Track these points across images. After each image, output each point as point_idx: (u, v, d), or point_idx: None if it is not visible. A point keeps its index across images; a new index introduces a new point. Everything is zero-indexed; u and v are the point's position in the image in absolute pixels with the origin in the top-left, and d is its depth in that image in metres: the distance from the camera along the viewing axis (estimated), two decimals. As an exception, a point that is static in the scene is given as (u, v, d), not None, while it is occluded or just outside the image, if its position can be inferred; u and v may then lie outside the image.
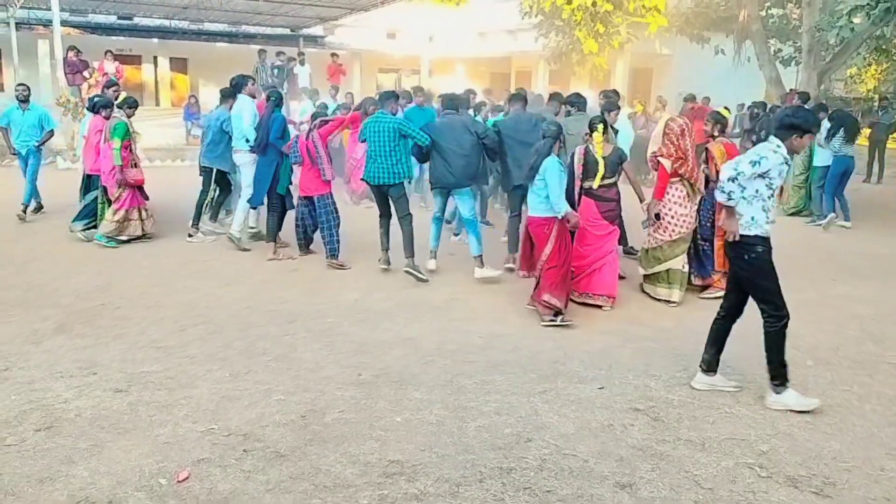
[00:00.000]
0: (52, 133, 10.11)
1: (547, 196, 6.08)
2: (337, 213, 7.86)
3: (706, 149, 6.94)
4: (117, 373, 4.86)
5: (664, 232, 6.77)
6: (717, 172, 6.28)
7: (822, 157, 11.04)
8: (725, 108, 8.42)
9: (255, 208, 8.70)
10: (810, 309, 6.65)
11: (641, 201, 7.15)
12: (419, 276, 7.29)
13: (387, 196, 7.47)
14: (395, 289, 7.11)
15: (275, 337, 5.66)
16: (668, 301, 6.79)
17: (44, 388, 4.57)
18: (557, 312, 6.12)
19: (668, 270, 6.80)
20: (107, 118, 8.52)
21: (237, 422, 4.20)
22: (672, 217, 6.72)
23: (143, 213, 8.63)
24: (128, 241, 8.48)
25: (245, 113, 8.35)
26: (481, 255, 7.44)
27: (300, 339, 5.64)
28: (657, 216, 6.74)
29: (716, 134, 6.97)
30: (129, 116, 8.56)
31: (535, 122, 7.45)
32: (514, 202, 7.90)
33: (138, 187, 8.55)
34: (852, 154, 10.92)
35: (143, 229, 8.62)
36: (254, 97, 8.64)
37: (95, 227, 8.59)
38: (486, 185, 8.49)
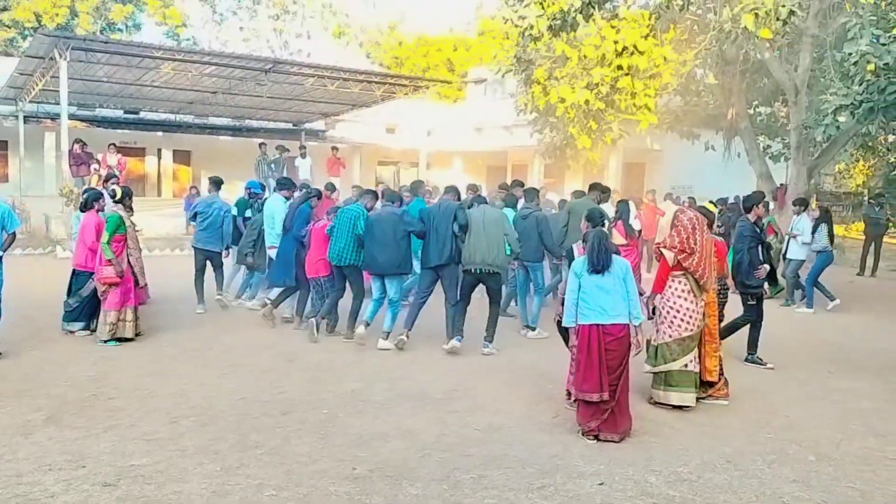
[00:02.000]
0: (13, 236, 7.65)
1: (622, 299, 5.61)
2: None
3: None
4: (106, 466, 4.75)
5: (670, 327, 6.40)
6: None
7: (796, 251, 11.55)
8: (711, 202, 8.52)
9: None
10: (812, 402, 6.59)
11: (641, 294, 6.89)
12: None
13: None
14: (395, 378, 7.05)
15: (269, 429, 5.56)
16: (682, 406, 6.32)
17: (31, 482, 4.46)
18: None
19: (678, 371, 6.33)
20: (100, 211, 8.42)
21: (228, 518, 4.08)
22: (677, 312, 6.37)
23: (135, 313, 8.14)
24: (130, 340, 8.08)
25: (277, 214, 9.35)
26: (390, 331, 8.17)
27: (294, 430, 5.55)
28: (654, 310, 6.65)
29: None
30: (126, 208, 8.33)
31: (453, 210, 8.08)
32: (424, 283, 8.38)
33: (136, 285, 8.16)
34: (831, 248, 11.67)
35: (136, 330, 8.14)
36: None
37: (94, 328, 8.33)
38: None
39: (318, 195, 9.67)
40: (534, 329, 9.05)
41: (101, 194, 8.66)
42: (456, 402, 6.43)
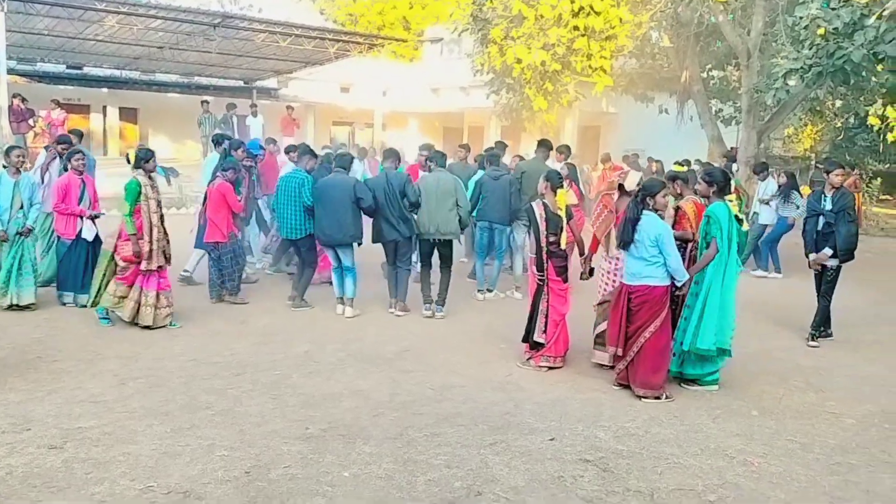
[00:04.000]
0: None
1: (655, 261, 5.67)
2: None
3: (677, 207, 6.53)
4: (52, 428, 4.66)
5: (599, 291, 6.70)
6: (694, 231, 6.18)
7: (766, 216, 11.48)
8: (677, 163, 8.55)
9: None
10: (755, 361, 6.79)
11: (582, 255, 6.81)
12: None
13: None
14: (347, 340, 7.03)
15: (220, 390, 5.51)
16: (604, 365, 6.35)
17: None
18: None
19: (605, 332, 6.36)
20: (78, 171, 7.67)
21: (177, 479, 4.05)
22: (602, 273, 6.72)
23: (150, 298, 7.03)
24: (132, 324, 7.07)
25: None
26: (352, 298, 7.98)
27: (246, 392, 5.51)
28: (590, 271, 6.70)
29: (679, 191, 6.71)
30: (148, 172, 7.16)
31: (402, 184, 7.87)
32: (390, 253, 8.17)
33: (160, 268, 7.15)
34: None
35: (137, 316, 7.01)
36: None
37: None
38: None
39: (239, 146, 9.03)
40: (491, 291, 9.09)
41: (153, 153, 7.38)
42: (409, 362, 6.45)
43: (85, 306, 7.49)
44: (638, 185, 6.27)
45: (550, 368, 6.34)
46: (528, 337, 6.43)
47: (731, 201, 6.29)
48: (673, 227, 6.26)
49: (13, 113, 16.00)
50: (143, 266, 6.94)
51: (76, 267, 7.76)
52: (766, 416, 5.48)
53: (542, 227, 6.33)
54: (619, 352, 5.85)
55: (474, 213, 9.34)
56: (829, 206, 7.41)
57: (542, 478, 4.26)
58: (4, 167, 7.58)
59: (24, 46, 18.44)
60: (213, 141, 9.76)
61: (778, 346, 7.44)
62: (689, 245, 6.30)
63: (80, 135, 9.72)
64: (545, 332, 6.33)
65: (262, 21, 17.45)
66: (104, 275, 7.12)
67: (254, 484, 4.03)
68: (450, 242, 8.16)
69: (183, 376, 5.79)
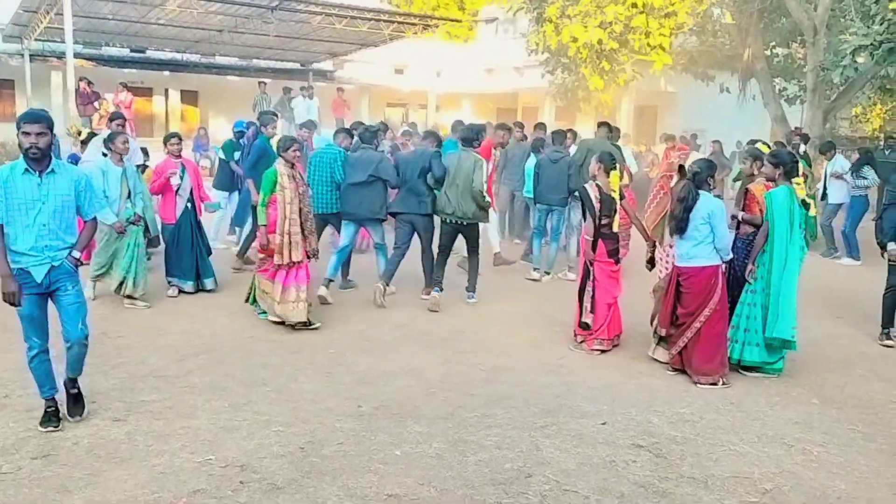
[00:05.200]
0: (93, 225, 6.06)
1: (704, 240, 5.59)
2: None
3: (747, 189, 6.28)
4: (116, 402, 4.83)
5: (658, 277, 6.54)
6: (762, 213, 5.94)
7: (837, 195, 11.06)
8: (764, 143, 8.12)
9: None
10: (817, 348, 6.59)
11: (646, 240, 6.64)
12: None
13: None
14: (402, 320, 7.08)
15: (276, 367, 5.63)
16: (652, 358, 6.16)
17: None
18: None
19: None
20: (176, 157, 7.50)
21: (235, 453, 4.16)
22: (658, 259, 6.57)
23: (293, 294, 6.60)
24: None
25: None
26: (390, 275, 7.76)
27: (302, 369, 5.61)
28: (651, 259, 6.49)
29: (755, 172, 6.45)
30: (288, 160, 6.60)
31: (427, 159, 7.65)
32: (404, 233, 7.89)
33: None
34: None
35: (304, 316, 6.59)
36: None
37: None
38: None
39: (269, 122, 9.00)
40: (549, 274, 9.03)
41: (294, 140, 6.83)
42: (461, 343, 6.47)
43: (186, 292, 7.57)
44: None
45: (603, 352, 6.28)
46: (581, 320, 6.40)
47: (797, 184, 6.09)
48: (742, 211, 6.16)
49: (80, 96, 16.51)
50: (276, 260, 6.53)
51: (179, 253, 7.58)
52: (827, 404, 5.32)
53: (597, 207, 6.25)
54: (667, 332, 5.78)
55: (530, 194, 9.32)
56: None
57: (593, 462, 4.24)
58: (105, 155, 7.20)
59: (90, 31, 18.95)
60: (259, 120, 9.62)
61: (842, 333, 7.21)
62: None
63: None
64: (592, 312, 6.27)
65: (319, 3, 17.54)
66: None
67: (307, 459, 4.11)
68: (474, 226, 7.75)
69: (241, 353, 5.93)
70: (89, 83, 16.96)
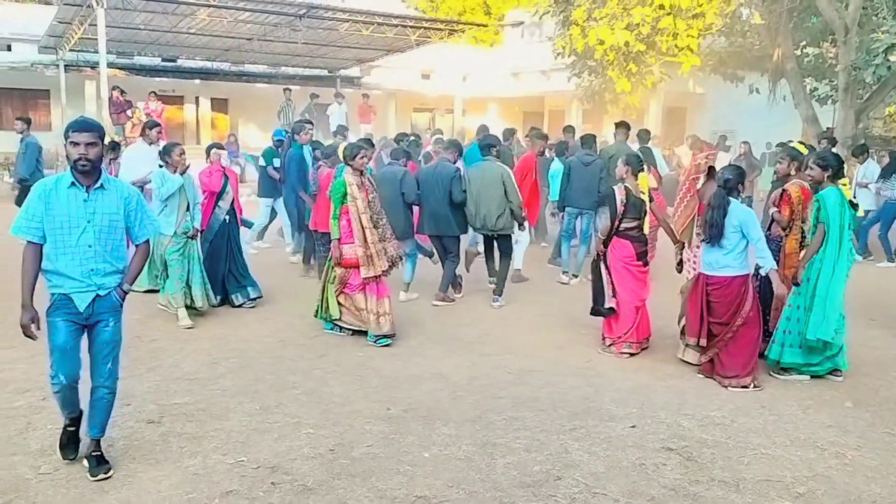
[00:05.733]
0: (146, 249, 5.05)
1: (734, 249, 5.53)
2: None
3: (783, 190, 6.14)
4: (150, 404, 4.92)
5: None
6: (792, 215, 5.93)
7: (866, 201, 10.91)
8: (801, 142, 7.99)
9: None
10: (851, 351, 6.48)
11: (675, 242, 6.63)
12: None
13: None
14: (428, 324, 7.12)
15: (305, 370, 5.69)
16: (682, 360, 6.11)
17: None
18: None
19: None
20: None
21: (266, 454, 4.22)
22: (687, 261, 6.49)
23: (382, 306, 6.43)
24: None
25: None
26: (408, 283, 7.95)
27: (331, 372, 5.67)
28: (681, 261, 6.46)
29: (792, 172, 6.33)
30: (356, 168, 6.42)
31: (449, 178, 7.64)
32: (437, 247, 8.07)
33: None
34: None
35: (389, 327, 6.45)
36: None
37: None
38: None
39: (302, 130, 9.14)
40: (577, 277, 9.01)
41: (361, 148, 6.58)
42: (487, 346, 6.49)
43: (213, 305, 7.31)
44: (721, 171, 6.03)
45: (632, 355, 6.25)
46: (595, 308, 6.35)
47: (844, 185, 6.00)
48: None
49: (113, 104, 16.84)
50: (363, 273, 6.30)
51: (211, 266, 7.38)
52: (861, 407, 5.24)
53: (620, 210, 6.23)
54: (703, 342, 5.71)
55: (558, 198, 9.29)
56: None
57: (622, 465, 4.22)
58: (161, 167, 6.92)
59: (123, 41, 19.34)
60: (291, 129, 9.91)
61: (876, 335, 7.09)
62: (785, 233, 6.04)
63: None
64: (614, 297, 6.26)
65: (346, 10, 17.71)
66: (326, 283, 6.59)
67: (338, 461, 4.15)
68: (506, 236, 7.84)
69: (271, 357, 6.00)
70: (122, 92, 17.30)
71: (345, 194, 6.30)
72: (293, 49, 20.38)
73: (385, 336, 6.38)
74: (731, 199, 5.57)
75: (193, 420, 4.69)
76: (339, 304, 6.50)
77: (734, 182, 5.63)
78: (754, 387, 5.49)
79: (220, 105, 25.02)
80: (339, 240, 6.32)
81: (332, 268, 6.49)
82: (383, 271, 6.43)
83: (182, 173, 6.86)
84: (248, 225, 8.60)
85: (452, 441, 4.47)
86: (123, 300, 3.99)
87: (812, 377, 5.74)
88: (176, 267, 6.89)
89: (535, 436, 4.58)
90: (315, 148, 8.89)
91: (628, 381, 5.64)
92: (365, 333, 6.45)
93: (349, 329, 6.57)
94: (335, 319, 6.54)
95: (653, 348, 6.44)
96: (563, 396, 5.27)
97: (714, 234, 5.52)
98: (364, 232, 6.32)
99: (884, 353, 6.52)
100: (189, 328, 6.71)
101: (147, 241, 4.12)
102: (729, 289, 5.56)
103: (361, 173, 6.46)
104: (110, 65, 17.90)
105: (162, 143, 7.85)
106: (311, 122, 10.22)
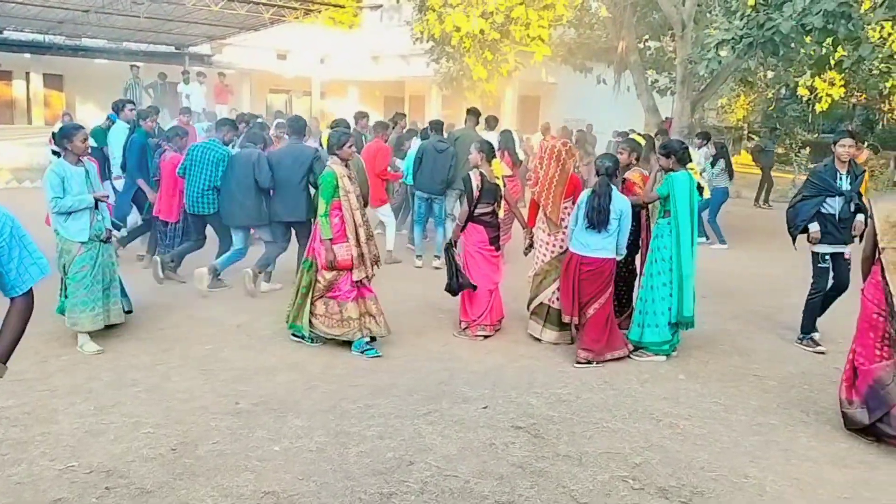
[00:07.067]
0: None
1: (610, 234, 5.76)
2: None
3: (624, 179, 6.44)
4: (-33, 410, 4.47)
5: (535, 262, 6.55)
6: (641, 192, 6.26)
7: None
8: (638, 133, 8.51)
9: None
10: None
11: (524, 227, 6.82)
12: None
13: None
14: (282, 312, 6.89)
15: (147, 366, 5.37)
16: (538, 339, 6.37)
17: None
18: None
19: (540, 304, 6.40)
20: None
21: (100, 458, 3.94)
22: (539, 244, 6.51)
23: (373, 306, 6.00)
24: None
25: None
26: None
27: (175, 367, 5.38)
28: (530, 244, 6.62)
29: (633, 162, 6.59)
30: (344, 158, 5.86)
31: (308, 160, 7.35)
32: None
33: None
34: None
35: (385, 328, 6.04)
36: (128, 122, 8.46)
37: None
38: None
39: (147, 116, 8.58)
40: (439, 257, 9.07)
41: (349, 136, 6.01)
42: (345, 333, 6.39)
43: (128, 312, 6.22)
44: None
45: (486, 337, 6.38)
46: (450, 286, 6.40)
47: (693, 169, 6.36)
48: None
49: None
50: (356, 275, 5.78)
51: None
52: (692, 379, 5.63)
53: (476, 196, 6.31)
54: (576, 321, 5.95)
55: (411, 182, 9.31)
56: (846, 186, 6.22)
57: (474, 445, 4.30)
58: (57, 154, 5.73)
59: (-64, 8, 17.42)
60: (112, 107, 9.07)
61: (706, 311, 7.61)
62: (643, 213, 6.38)
63: None
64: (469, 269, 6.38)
65: (193, -16, 16.83)
66: (298, 291, 5.99)
67: (180, 461, 3.95)
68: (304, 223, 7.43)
69: (109, 352, 5.62)
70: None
71: (336, 187, 5.68)
72: (136, 23, 19.11)
73: (373, 343, 5.90)
74: (612, 185, 5.81)
75: (17, 424, 4.31)
76: (310, 312, 5.88)
77: (612, 168, 5.90)
78: (597, 363, 5.76)
79: (54, 81, 23.08)
80: (331, 240, 5.68)
81: (310, 272, 5.88)
82: (372, 273, 5.97)
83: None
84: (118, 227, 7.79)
85: (304, 433, 4.37)
86: None
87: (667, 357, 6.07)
88: (86, 283, 5.65)
89: (390, 422, 4.57)
90: (176, 135, 8.18)
91: (482, 363, 5.75)
92: (342, 343, 5.91)
93: (321, 339, 5.95)
94: (307, 330, 5.91)
95: (506, 329, 6.61)
96: (420, 382, 5.29)
97: (601, 219, 5.71)
98: (358, 230, 5.76)
99: (713, 329, 7.03)
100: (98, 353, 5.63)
101: (29, 294, 2.70)
102: (603, 268, 5.82)
103: (347, 164, 5.89)
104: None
105: None
106: (158, 110, 9.66)
